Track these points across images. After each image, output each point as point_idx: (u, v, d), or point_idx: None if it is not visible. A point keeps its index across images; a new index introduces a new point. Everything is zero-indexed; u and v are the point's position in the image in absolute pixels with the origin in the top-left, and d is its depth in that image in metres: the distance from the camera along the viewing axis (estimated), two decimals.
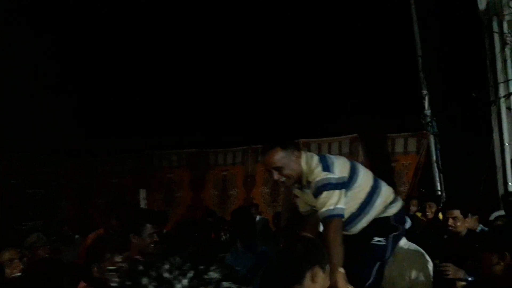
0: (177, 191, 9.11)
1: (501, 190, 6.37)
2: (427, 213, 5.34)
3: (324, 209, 2.47)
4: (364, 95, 7.55)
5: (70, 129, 8.06)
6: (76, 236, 4.86)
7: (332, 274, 2.34)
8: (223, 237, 4.76)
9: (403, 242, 3.26)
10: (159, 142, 8.98)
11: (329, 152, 8.02)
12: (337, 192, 2.48)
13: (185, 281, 0.79)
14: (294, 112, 7.66)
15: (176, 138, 8.81)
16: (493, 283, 2.62)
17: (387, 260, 2.81)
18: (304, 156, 2.59)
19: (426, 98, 7.08)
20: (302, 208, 2.83)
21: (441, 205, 5.69)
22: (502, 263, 2.56)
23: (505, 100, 6.42)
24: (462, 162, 6.60)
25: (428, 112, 7.10)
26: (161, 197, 9.01)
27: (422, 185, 7.14)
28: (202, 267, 0.81)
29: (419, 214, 5.58)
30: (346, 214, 2.61)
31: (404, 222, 2.83)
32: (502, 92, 6.44)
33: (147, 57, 8.68)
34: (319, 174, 2.50)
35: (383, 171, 7.55)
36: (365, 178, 2.68)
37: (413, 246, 3.21)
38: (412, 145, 7.42)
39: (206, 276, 0.80)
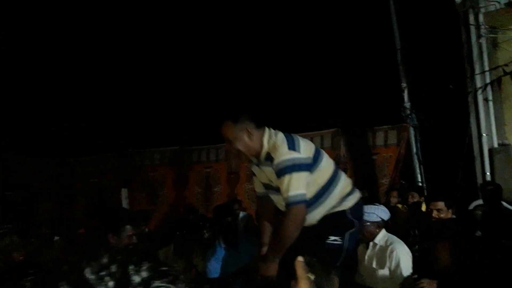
0: (160, 190, 9.04)
1: (479, 180, 6.49)
2: (410, 203, 5.41)
3: (287, 194, 2.39)
4: (344, 89, 7.60)
5: (49, 130, 7.93)
6: (56, 238, 4.78)
7: (268, 261, 2.34)
8: (206, 234, 4.73)
9: (383, 234, 3.30)
10: (140, 140, 8.91)
11: None
12: (302, 174, 2.40)
13: (111, 283, 0.76)
14: (275, 108, 7.67)
15: (157, 136, 8.74)
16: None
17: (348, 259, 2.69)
18: (267, 132, 2.53)
19: (406, 91, 7.16)
20: (258, 188, 2.74)
21: (424, 195, 5.77)
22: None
23: (482, 91, 6.52)
24: (441, 153, 6.70)
25: (407, 104, 7.18)
26: (143, 196, 8.93)
27: (403, 177, 7.22)
28: (132, 266, 0.78)
29: (400, 206, 5.64)
30: None
31: (361, 216, 2.70)
32: (479, 83, 6.54)
33: (128, 56, 8.58)
34: (284, 153, 2.41)
35: (365, 164, 7.64)
36: (327, 163, 2.61)
37: (393, 237, 3.25)
38: (392, 137, 7.50)
39: (136, 276, 0.77)
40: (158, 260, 0.84)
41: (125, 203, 8.01)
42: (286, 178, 2.37)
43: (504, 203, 4.70)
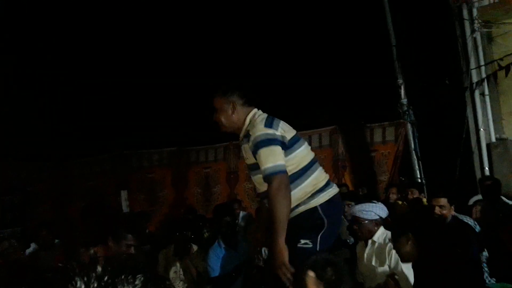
0: (160, 191, 9.03)
1: (478, 175, 6.50)
2: (409, 199, 5.41)
3: (265, 166, 2.38)
4: (341, 87, 7.60)
5: (46, 132, 7.91)
6: (56, 241, 4.77)
7: (276, 241, 2.26)
8: (205, 234, 4.74)
9: (381, 231, 3.30)
10: (137, 141, 8.89)
11: (310, 145, 8.06)
12: (277, 148, 2.40)
13: None
14: (273, 106, 7.66)
15: (155, 137, 8.73)
16: None
17: None
18: (253, 112, 2.59)
19: (402, 87, 7.17)
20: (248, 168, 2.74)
21: (424, 191, 5.78)
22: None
23: (478, 86, 6.53)
24: (439, 148, 6.72)
25: (404, 101, 7.19)
26: (143, 198, 8.92)
27: (401, 174, 7.24)
28: (123, 276, 0.79)
29: (399, 202, 5.65)
30: None
31: (334, 214, 2.55)
32: (475, 78, 6.56)
33: (124, 57, 8.57)
34: (260, 129, 2.44)
35: (363, 161, 7.65)
36: (303, 153, 2.55)
37: (390, 235, 3.26)
38: (390, 134, 7.52)
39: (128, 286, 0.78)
40: (150, 272, 0.84)
41: (125, 205, 8.01)
42: (262, 151, 2.39)
43: (503, 198, 4.71)
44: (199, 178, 8.89)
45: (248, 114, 2.58)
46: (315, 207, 2.50)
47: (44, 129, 8.05)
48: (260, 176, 2.46)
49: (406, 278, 3.02)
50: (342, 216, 3.33)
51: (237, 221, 4.42)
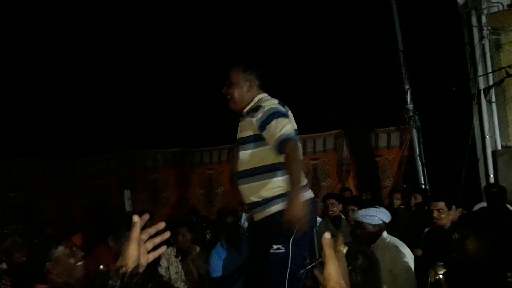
0: (163, 191, 9.03)
1: (483, 182, 6.46)
2: (412, 205, 5.38)
3: (280, 133, 2.42)
4: (347, 91, 7.58)
5: (50, 130, 7.93)
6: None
7: (293, 197, 2.29)
8: (208, 236, 4.73)
9: (384, 236, 3.28)
10: (143, 141, 8.90)
11: (314, 148, 8.06)
12: (287, 119, 2.50)
13: None
14: None
15: (160, 137, 8.74)
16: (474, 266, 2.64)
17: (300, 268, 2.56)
18: (263, 94, 2.66)
19: (408, 92, 7.14)
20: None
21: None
22: (480, 245, 2.60)
23: (485, 93, 6.49)
24: (444, 155, 6.68)
25: (410, 106, 7.17)
26: (146, 198, 8.92)
27: (406, 179, 7.20)
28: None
29: (402, 208, 5.62)
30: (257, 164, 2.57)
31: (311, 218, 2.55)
32: (482, 85, 6.52)
33: (129, 55, 8.59)
34: (274, 104, 2.55)
35: (368, 166, 7.63)
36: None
37: (394, 239, 3.24)
38: (395, 139, 7.49)
39: None
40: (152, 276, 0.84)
41: (127, 204, 8.02)
42: (278, 120, 2.46)
43: (509, 206, 4.67)
44: (202, 179, 8.88)
45: (258, 95, 2.65)
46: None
47: (49, 127, 8.06)
48: (248, 152, 2.55)
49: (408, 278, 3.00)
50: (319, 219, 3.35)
51: (240, 222, 4.41)
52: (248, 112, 2.60)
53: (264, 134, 2.48)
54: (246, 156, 2.57)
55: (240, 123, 2.66)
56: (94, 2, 8.38)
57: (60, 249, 2.25)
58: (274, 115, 2.47)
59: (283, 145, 2.41)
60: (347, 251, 2.08)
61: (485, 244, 2.66)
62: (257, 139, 2.56)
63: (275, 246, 2.45)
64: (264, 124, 2.48)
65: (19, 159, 8.31)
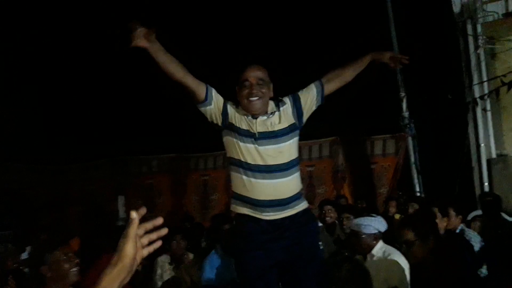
0: (158, 197, 8.99)
1: (477, 191, 6.47)
2: (409, 213, 5.36)
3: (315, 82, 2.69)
4: (343, 98, 7.58)
5: (44, 136, 7.87)
6: None
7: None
8: (203, 243, 4.69)
9: (380, 246, 3.26)
10: (137, 147, 8.86)
11: (310, 155, 8.05)
12: None
13: None
14: None
15: (154, 143, 8.70)
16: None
17: None
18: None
19: (404, 100, 7.15)
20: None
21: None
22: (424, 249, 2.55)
23: (480, 101, 6.53)
24: (439, 163, 6.69)
25: (406, 114, 7.17)
26: (140, 204, 8.84)
27: (401, 187, 7.20)
28: None
29: (398, 216, 5.61)
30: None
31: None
32: (477, 93, 6.56)
33: (122, 61, 8.56)
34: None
35: (363, 173, 7.62)
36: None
37: (390, 249, 3.22)
38: (390, 147, 7.49)
39: None
40: None
41: (122, 211, 7.97)
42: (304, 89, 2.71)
43: (503, 214, 4.68)
44: (197, 185, 8.84)
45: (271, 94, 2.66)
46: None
47: (44, 133, 8.00)
48: (288, 143, 2.53)
49: None
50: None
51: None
52: (273, 110, 2.60)
53: (303, 96, 2.65)
54: (288, 148, 2.53)
55: (271, 118, 2.56)
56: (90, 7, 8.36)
57: (56, 253, 2.26)
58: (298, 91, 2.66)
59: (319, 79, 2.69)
60: (333, 260, 2.06)
61: (428, 248, 2.60)
62: (291, 130, 2.58)
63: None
64: (295, 96, 2.65)
65: (14, 165, 8.24)
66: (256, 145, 2.49)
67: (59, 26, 8.37)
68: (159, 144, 8.80)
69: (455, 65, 6.69)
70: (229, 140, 2.57)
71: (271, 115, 2.56)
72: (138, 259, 1.15)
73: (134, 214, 1.15)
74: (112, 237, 4.54)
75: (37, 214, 8.18)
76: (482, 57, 6.53)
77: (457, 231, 3.89)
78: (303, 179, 8.69)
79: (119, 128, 8.43)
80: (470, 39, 6.58)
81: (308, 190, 7.69)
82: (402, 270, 3.06)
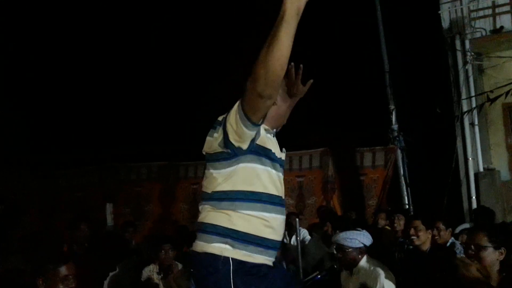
0: (146, 205, 8.91)
1: (465, 204, 6.54)
2: (395, 225, 5.39)
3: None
4: (333, 110, 7.66)
5: (32, 142, 7.79)
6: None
7: None
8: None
9: (365, 259, 3.26)
10: (126, 154, 8.81)
11: (300, 165, 8.07)
12: None
13: None
14: None
15: (144, 150, 8.67)
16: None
17: None
18: None
19: (393, 113, 7.24)
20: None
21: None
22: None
23: (468, 115, 6.63)
24: (427, 176, 6.76)
25: (395, 126, 7.26)
26: (128, 211, 8.79)
27: (390, 199, 7.24)
28: None
29: (387, 228, 5.63)
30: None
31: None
32: (465, 108, 6.66)
33: (113, 69, 8.56)
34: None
35: (353, 185, 7.66)
36: None
37: (376, 263, 3.22)
38: (380, 159, 7.54)
39: None
40: None
41: (109, 218, 7.88)
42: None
43: None
44: (187, 194, 8.79)
45: None
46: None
47: (33, 138, 7.92)
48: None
49: None
50: None
51: None
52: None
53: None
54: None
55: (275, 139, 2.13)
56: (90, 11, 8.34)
57: (58, 270, 2.22)
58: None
59: None
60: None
61: (496, 258, 2.55)
62: None
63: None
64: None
65: (2, 170, 8.12)
66: (281, 173, 2.03)
67: (50, 33, 8.34)
68: (149, 152, 8.76)
69: (444, 79, 6.80)
70: (253, 168, 1.92)
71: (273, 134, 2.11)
72: None
73: None
74: (99, 245, 4.50)
75: (23, 220, 8.06)
76: (470, 73, 6.65)
77: (448, 244, 3.91)
78: (293, 190, 8.67)
79: (109, 135, 8.38)
80: (459, 55, 6.70)
81: (298, 201, 7.69)
82: (388, 283, 3.07)
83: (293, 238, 5.18)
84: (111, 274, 4.20)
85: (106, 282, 4.13)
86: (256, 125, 1.82)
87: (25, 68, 8.16)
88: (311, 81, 2.09)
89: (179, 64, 8.67)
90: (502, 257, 2.50)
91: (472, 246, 2.55)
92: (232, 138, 1.84)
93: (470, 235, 2.66)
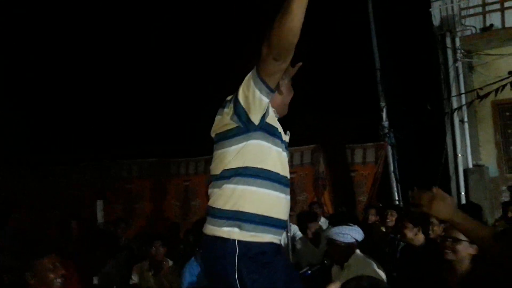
0: (137, 202, 8.88)
1: (454, 200, 6.60)
2: (388, 221, 5.42)
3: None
4: (324, 106, 7.68)
5: (24, 139, 7.72)
6: None
7: None
8: (181, 250, 4.65)
9: (356, 255, 3.29)
10: (118, 151, 8.77)
11: (291, 162, 8.09)
12: None
13: None
14: None
15: (136, 147, 8.63)
16: None
17: None
18: None
19: (384, 110, 7.28)
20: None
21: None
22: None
23: (458, 112, 6.69)
24: (417, 172, 6.81)
25: (386, 123, 7.30)
26: (119, 208, 8.75)
27: (380, 195, 7.29)
28: None
29: (378, 223, 5.66)
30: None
31: None
32: (455, 105, 6.72)
33: (106, 67, 8.51)
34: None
35: (343, 181, 7.70)
36: None
37: (367, 258, 3.25)
38: (370, 155, 7.59)
39: None
40: None
41: (100, 216, 7.83)
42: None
43: None
44: (178, 190, 8.77)
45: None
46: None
47: (24, 135, 7.85)
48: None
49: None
50: None
51: None
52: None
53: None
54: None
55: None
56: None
57: (43, 261, 2.22)
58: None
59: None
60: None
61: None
62: None
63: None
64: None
65: None
66: (287, 154, 2.08)
67: (49, 33, 8.27)
68: (140, 149, 8.73)
69: (434, 76, 6.85)
70: (263, 146, 1.93)
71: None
72: None
73: None
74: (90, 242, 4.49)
75: (12, 217, 7.98)
76: (460, 70, 6.71)
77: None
78: None
79: (100, 132, 8.33)
80: (449, 52, 6.76)
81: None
82: (379, 276, 3.10)
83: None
84: (102, 270, 4.19)
85: (96, 278, 4.12)
86: (271, 90, 1.83)
87: (22, 66, 8.10)
88: (300, 63, 2.14)
89: (171, 63, 8.64)
90: (475, 252, 2.60)
91: (449, 239, 2.65)
92: (245, 104, 1.84)
93: (449, 228, 2.74)
